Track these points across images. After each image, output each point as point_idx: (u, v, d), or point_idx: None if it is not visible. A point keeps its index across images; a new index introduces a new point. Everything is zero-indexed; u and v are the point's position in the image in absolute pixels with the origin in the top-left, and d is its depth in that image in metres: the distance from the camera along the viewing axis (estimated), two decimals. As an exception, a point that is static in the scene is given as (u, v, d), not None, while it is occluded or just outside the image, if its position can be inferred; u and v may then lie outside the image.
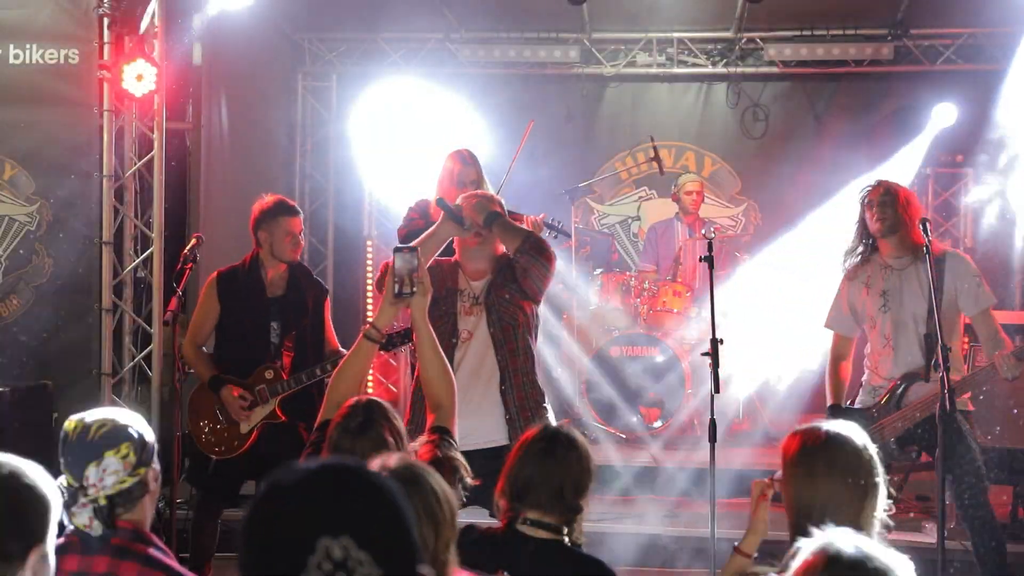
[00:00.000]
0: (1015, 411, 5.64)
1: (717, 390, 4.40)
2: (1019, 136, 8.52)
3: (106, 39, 6.78)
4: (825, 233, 7.69)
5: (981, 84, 8.66)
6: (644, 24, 8.79)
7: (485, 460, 3.40)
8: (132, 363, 7.10)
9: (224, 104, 8.93)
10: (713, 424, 4.76)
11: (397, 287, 2.97)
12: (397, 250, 3.00)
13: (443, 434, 2.92)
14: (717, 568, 4.08)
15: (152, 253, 7.09)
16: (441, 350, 3.18)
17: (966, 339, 5.23)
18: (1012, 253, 8.35)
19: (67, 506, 2.23)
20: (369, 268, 9.01)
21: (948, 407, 3.86)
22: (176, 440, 5.05)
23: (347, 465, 1.31)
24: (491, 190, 6.20)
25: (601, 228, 8.88)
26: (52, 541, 1.78)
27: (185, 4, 7.27)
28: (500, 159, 6.81)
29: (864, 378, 4.61)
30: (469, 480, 2.74)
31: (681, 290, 7.93)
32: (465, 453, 2.96)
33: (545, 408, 4.14)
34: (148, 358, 7.02)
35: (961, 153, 8.67)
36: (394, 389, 8.57)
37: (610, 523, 5.89)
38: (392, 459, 2.04)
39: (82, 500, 2.27)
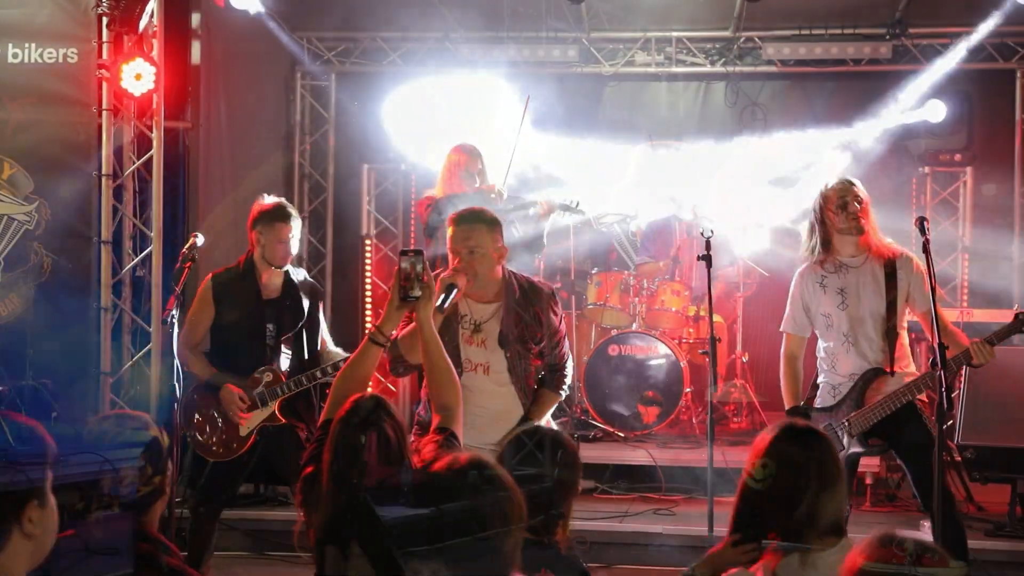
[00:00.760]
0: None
1: (715, 388, 4.41)
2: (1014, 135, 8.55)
3: (105, 38, 6.78)
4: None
5: (979, 83, 8.67)
6: (643, 23, 8.79)
7: None
8: (131, 362, 7.10)
9: (223, 103, 8.92)
10: (711, 422, 4.78)
11: (403, 290, 2.96)
12: (403, 253, 2.99)
13: (448, 435, 2.92)
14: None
15: (151, 252, 7.08)
16: (446, 354, 3.15)
17: (912, 334, 5.29)
18: (1010, 252, 8.36)
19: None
20: (368, 268, 9.01)
21: (946, 405, 3.92)
22: (175, 440, 5.03)
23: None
24: (495, 182, 6.21)
25: (599, 227, 8.86)
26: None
27: (184, 3, 7.27)
28: (501, 158, 6.82)
29: (820, 378, 4.62)
30: None
31: (679, 289, 7.94)
32: None
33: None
34: (147, 357, 7.02)
35: (959, 152, 8.67)
36: (393, 388, 8.56)
37: (608, 522, 5.89)
38: (464, 456, 2.04)
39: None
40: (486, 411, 3.88)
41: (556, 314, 4.08)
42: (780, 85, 9.34)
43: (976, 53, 8.40)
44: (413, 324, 3.32)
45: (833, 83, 9.29)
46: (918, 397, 4.29)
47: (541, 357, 4.04)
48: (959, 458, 5.81)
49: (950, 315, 5.69)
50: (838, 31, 8.58)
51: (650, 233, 8.39)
